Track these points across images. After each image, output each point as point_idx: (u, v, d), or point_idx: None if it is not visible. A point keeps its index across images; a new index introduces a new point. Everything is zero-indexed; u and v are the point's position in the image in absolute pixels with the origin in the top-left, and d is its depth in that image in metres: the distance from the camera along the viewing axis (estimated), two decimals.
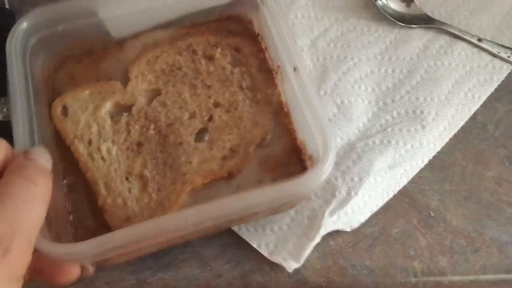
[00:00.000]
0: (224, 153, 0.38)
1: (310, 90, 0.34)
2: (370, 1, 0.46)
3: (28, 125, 0.34)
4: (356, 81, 0.43)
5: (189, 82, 0.40)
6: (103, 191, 0.36)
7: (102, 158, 0.37)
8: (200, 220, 0.31)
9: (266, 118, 0.39)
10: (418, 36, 0.45)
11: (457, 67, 0.44)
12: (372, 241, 0.39)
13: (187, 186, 0.36)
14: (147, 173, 0.37)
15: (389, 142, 0.40)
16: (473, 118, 0.43)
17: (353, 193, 0.38)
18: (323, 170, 0.31)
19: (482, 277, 0.38)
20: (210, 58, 0.41)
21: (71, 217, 0.36)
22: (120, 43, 0.42)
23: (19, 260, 0.25)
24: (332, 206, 0.38)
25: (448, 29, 0.45)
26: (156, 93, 0.40)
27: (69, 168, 0.38)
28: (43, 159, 0.31)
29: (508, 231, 0.39)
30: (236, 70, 0.40)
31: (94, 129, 0.38)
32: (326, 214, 0.38)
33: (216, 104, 0.39)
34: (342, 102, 0.43)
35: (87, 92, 0.39)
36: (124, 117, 0.39)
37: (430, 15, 0.46)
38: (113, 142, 0.38)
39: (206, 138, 0.38)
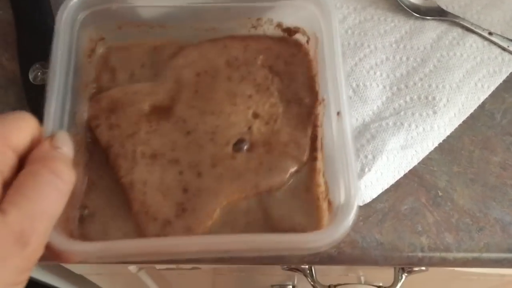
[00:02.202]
0: (261, 168, 0.36)
1: (348, 143, 0.33)
2: None
3: (61, 102, 0.34)
4: (371, 67, 0.46)
5: (228, 89, 0.38)
6: (138, 197, 0.34)
7: (138, 163, 0.35)
8: (206, 250, 0.32)
9: (305, 139, 0.37)
10: (432, 28, 0.47)
11: (468, 58, 0.46)
12: (382, 216, 0.40)
13: (222, 201, 0.35)
14: (183, 182, 0.35)
15: (402, 124, 0.42)
16: (482, 106, 0.45)
17: (366, 169, 0.40)
18: (340, 230, 0.30)
19: (485, 254, 0.40)
20: (253, 66, 0.39)
21: (86, 211, 0.35)
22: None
23: (34, 255, 0.25)
24: None
25: (461, 22, 0.47)
26: (195, 98, 0.38)
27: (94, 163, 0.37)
28: (67, 147, 0.30)
29: (511, 213, 0.41)
30: (277, 79, 0.39)
31: (131, 132, 0.36)
32: None
33: (256, 116, 0.38)
34: (357, 86, 0.45)
35: (123, 93, 0.38)
36: (162, 122, 0.37)
37: (444, 8, 0.48)
38: (150, 146, 0.36)
39: (245, 148, 0.37)
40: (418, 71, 0.45)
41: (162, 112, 0.38)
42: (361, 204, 0.40)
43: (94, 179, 0.36)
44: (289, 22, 0.41)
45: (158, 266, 0.56)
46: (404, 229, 0.40)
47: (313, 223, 0.35)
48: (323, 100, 0.37)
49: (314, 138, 0.37)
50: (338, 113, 0.34)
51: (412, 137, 0.42)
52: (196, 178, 0.35)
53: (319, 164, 0.36)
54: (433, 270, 0.52)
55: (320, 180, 0.36)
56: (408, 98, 0.44)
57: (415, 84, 0.45)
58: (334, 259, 0.39)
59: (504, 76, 0.46)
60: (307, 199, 0.35)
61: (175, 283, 0.70)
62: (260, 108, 0.38)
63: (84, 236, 0.34)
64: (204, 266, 0.57)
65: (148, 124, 0.37)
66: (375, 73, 0.45)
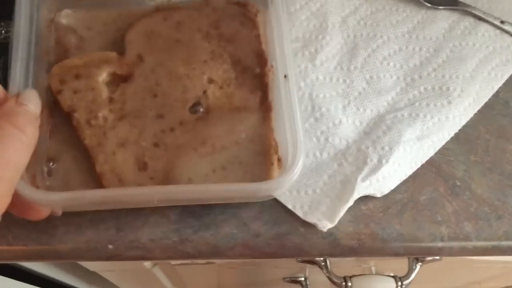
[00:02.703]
0: (216, 129, 0.39)
1: (294, 103, 0.37)
2: None
3: (25, 68, 0.36)
4: (385, 58, 0.46)
5: (184, 56, 0.41)
6: (100, 158, 0.37)
7: (99, 126, 0.38)
8: (165, 198, 0.36)
9: (256, 102, 0.40)
10: (444, 17, 0.47)
11: (480, 48, 0.46)
12: (401, 207, 0.41)
13: (181, 158, 0.38)
14: (143, 142, 0.38)
15: (417, 115, 0.43)
16: (496, 95, 0.45)
17: (384, 161, 0.40)
18: (286, 180, 0.34)
19: (505, 242, 0.40)
20: (207, 35, 0.42)
21: (51, 164, 0.38)
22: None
23: (1, 204, 0.27)
24: (364, 172, 0.40)
25: (473, 11, 0.47)
26: (153, 64, 0.40)
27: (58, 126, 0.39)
28: (33, 104, 0.32)
29: None
30: (230, 47, 0.42)
31: (91, 97, 0.39)
32: (359, 179, 0.40)
33: (210, 80, 0.41)
34: (371, 77, 0.45)
35: (83, 61, 0.40)
36: (121, 87, 0.39)
37: None
38: (110, 110, 0.39)
39: (201, 110, 0.40)
40: (431, 61, 0.45)
41: (122, 78, 0.40)
42: (379, 196, 0.41)
43: (58, 136, 0.39)
44: None
45: (173, 262, 0.57)
46: (424, 219, 0.40)
47: (265, 178, 0.38)
48: (271, 66, 0.41)
49: (265, 101, 0.40)
50: (285, 76, 0.38)
51: (428, 127, 0.42)
52: (156, 140, 0.38)
53: (272, 124, 0.40)
54: (445, 258, 0.52)
55: (273, 139, 0.39)
56: (422, 89, 0.44)
57: (428, 74, 0.45)
58: (355, 250, 0.40)
59: None
60: (260, 157, 0.39)
61: (188, 278, 0.71)
62: (214, 74, 0.41)
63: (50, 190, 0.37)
64: (218, 261, 0.57)
65: (109, 90, 0.39)
66: (388, 64, 0.45)
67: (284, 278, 0.72)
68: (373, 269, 0.70)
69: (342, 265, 0.67)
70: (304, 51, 0.45)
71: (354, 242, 0.40)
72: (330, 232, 0.39)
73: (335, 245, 0.39)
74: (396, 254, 0.40)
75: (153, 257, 0.39)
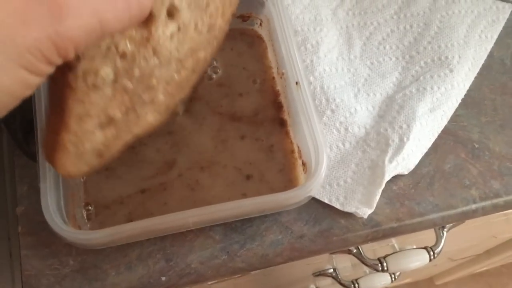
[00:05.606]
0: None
1: (310, 107, 0.37)
2: None
3: None
4: (380, 43, 0.47)
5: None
6: (74, 126, 0.27)
7: (93, 86, 0.27)
8: (200, 221, 0.36)
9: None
10: None
11: (466, 13, 0.48)
12: (430, 179, 0.42)
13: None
14: (117, 114, 0.29)
15: (425, 88, 0.44)
16: (490, 56, 0.47)
17: (405, 139, 0.42)
18: (314, 185, 0.35)
19: None
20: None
21: (89, 207, 0.39)
22: None
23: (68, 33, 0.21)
24: (389, 154, 0.41)
25: None
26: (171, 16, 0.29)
27: None
28: None
29: None
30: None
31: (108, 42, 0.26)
32: (386, 161, 0.41)
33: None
34: (372, 63, 0.46)
35: None
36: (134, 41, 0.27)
37: None
38: (115, 68, 0.27)
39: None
40: (425, 35, 0.47)
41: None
42: (406, 173, 0.42)
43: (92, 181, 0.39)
44: (241, 9, 0.41)
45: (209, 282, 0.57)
46: (453, 186, 0.42)
47: (291, 183, 0.40)
48: (282, 74, 0.42)
49: (279, 108, 0.43)
50: (297, 83, 0.39)
51: (437, 98, 0.44)
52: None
53: (289, 130, 0.42)
54: (467, 220, 0.54)
55: (292, 144, 0.41)
56: (422, 63, 0.46)
57: (425, 48, 0.46)
58: (396, 230, 0.41)
59: (502, 23, 0.48)
60: (284, 163, 0.41)
61: None
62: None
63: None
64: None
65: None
66: (384, 47, 0.47)
67: (314, 273, 0.73)
68: (396, 245, 0.72)
69: (364, 248, 0.68)
70: (306, 44, 0.46)
71: (394, 222, 0.41)
72: (370, 217, 0.40)
73: (377, 229, 0.40)
74: (435, 224, 0.42)
75: (206, 279, 0.39)
